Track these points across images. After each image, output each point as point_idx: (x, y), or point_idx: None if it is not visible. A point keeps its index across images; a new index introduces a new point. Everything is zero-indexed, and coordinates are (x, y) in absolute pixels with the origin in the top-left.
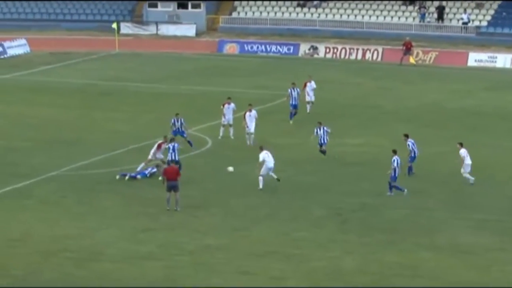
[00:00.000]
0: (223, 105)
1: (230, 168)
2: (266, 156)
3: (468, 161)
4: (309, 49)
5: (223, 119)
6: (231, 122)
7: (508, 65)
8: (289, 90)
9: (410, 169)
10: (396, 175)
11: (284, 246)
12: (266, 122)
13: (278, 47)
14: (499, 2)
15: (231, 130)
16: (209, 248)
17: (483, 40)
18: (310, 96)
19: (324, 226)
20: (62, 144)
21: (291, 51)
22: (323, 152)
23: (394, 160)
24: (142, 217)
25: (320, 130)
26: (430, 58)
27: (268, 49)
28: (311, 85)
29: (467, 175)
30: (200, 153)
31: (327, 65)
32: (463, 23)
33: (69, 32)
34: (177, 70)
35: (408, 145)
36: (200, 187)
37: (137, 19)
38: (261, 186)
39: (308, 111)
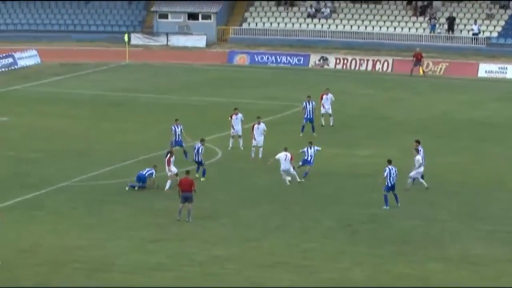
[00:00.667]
0: (231, 117)
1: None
2: (282, 157)
3: (421, 168)
4: (319, 60)
5: (232, 130)
6: (240, 133)
7: None
8: (304, 103)
9: (422, 177)
10: (389, 185)
11: (294, 257)
12: (276, 133)
13: (288, 58)
14: (510, 13)
15: (241, 141)
16: (218, 259)
17: (494, 51)
18: (326, 109)
19: (334, 237)
20: (72, 155)
21: (301, 62)
22: (299, 167)
23: (385, 170)
24: (152, 228)
25: (310, 149)
26: (440, 69)
27: (278, 60)
28: (328, 97)
29: (422, 181)
30: (210, 164)
31: (337, 76)
32: (474, 34)
33: (80, 43)
34: (187, 81)
35: (420, 150)
36: (210, 198)
37: (148, 30)
38: (287, 183)
39: (323, 123)
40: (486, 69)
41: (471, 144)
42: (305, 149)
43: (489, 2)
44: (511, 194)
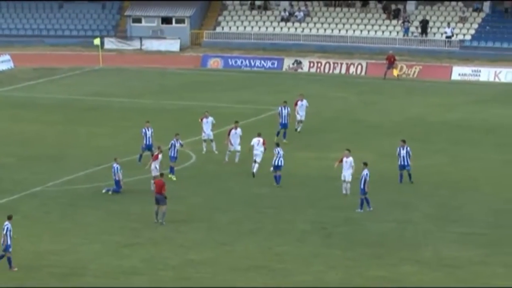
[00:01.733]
0: (201, 120)
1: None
2: (256, 142)
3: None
4: (293, 64)
5: (203, 134)
6: (211, 137)
7: (491, 79)
8: (280, 108)
9: (401, 176)
10: (365, 188)
11: (268, 260)
12: (251, 137)
13: (262, 61)
14: (483, 16)
15: (213, 145)
16: (192, 263)
17: (467, 54)
18: (300, 115)
19: (308, 240)
20: (46, 159)
21: (275, 65)
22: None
23: (363, 174)
24: (126, 232)
25: (277, 151)
26: (414, 72)
27: (252, 63)
28: (302, 103)
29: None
30: (184, 168)
31: (311, 79)
32: (447, 37)
33: (53, 48)
34: (161, 85)
35: (407, 151)
36: (184, 202)
37: (121, 34)
38: (254, 170)
39: (298, 130)
40: (460, 72)
41: (445, 147)
42: (274, 149)
43: (462, 5)
44: (484, 196)
